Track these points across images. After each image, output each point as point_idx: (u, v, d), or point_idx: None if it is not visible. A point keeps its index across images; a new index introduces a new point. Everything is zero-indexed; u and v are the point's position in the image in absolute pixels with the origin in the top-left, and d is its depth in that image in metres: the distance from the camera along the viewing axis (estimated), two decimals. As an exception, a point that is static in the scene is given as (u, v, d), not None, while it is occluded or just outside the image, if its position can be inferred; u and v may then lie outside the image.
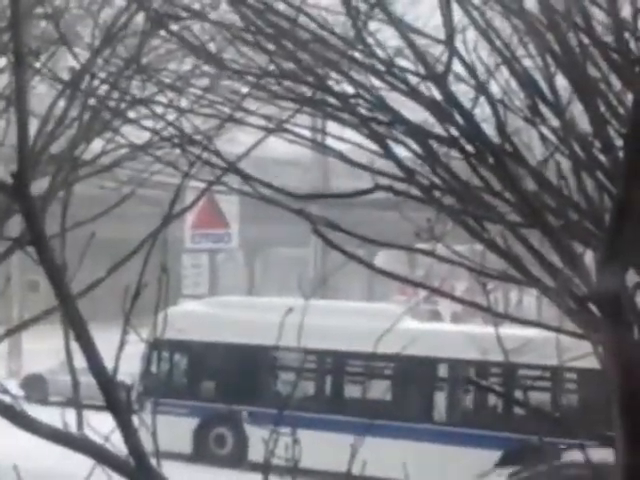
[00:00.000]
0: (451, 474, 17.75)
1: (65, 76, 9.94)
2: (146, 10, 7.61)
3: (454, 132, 6.31)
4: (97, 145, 11.81)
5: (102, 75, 9.16)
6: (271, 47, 6.87)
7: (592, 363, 6.40)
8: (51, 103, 11.11)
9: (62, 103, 10.52)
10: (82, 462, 3.13)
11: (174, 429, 17.57)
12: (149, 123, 8.61)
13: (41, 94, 12.41)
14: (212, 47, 7.93)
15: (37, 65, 10.12)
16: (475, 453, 18.01)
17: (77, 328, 3.00)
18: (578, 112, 6.51)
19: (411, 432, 18.62)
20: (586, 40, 6.08)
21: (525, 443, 15.53)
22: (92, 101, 9.54)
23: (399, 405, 19.11)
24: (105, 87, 9.15)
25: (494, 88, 6.61)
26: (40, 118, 10.57)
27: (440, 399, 19.45)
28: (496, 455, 18.11)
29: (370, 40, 6.51)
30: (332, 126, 7.84)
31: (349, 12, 6.43)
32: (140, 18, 8.69)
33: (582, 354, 6.41)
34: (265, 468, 3.23)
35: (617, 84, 6.35)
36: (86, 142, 10.83)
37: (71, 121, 10.32)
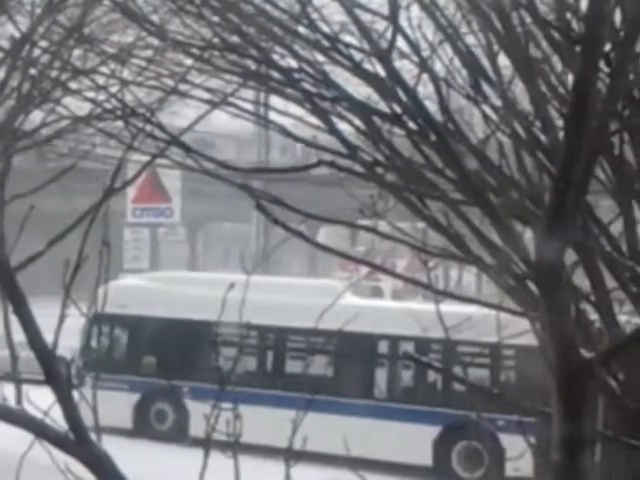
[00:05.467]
0: (391, 449, 17.92)
1: (5, 44, 9.76)
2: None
3: (397, 109, 6.32)
4: (37, 116, 11.63)
5: (43, 44, 9.01)
6: (215, 20, 6.81)
7: (530, 340, 6.49)
8: (-10, 73, 10.89)
9: (1, 72, 10.34)
10: (21, 437, 3.11)
11: (115, 404, 17.44)
12: (91, 94, 8.50)
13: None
14: (156, 18, 7.84)
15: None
16: (415, 429, 18.20)
17: (16, 302, 2.96)
18: (519, 91, 6.56)
19: (352, 408, 18.74)
20: (528, 19, 6.12)
21: (464, 419, 15.73)
22: (32, 71, 9.39)
23: (340, 381, 19.20)
24: (46, 57, 9.00)
25: (437, 66, 6.64)
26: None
27: (381, 375, 19.59)
28: (436, 431, 18.33)
29: (315, 15, 6.49)
30: (276, 101, 7.82)
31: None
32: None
33: (521, 331, 6.50)
34: (206, 443, 3.23)
35: (558, 64, 6.41)
36: (26, 113, 10.66)
37: (10, 91, 10.15)
